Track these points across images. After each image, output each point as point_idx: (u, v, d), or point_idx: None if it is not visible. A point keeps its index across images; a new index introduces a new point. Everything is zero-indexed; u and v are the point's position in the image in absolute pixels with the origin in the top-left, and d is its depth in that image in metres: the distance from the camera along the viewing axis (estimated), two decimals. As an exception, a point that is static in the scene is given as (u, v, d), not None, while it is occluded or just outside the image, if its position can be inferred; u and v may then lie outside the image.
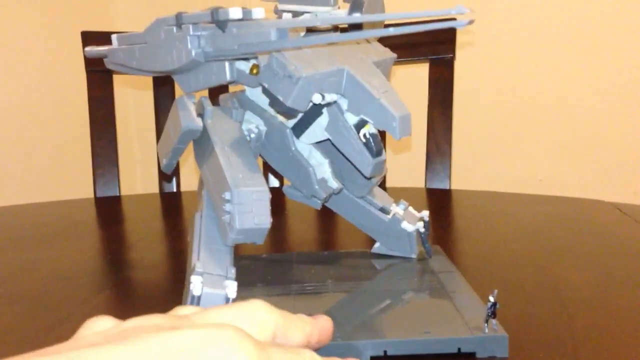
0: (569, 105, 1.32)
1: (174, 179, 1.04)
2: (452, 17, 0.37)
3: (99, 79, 1.04)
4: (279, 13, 0.46)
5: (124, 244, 0.74)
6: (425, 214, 0.52)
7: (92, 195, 1.02)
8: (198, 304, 0.38)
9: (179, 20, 0.42)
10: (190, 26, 0.41)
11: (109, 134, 1.03)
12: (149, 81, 1.08)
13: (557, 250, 0.60)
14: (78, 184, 1.26)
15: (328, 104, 0.42)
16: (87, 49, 0.50)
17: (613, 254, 0.59)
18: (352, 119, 0.42)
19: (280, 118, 0.45)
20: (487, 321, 0.37)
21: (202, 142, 0.44)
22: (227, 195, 0.39)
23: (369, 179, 0.47)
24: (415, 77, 1.20)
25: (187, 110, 0.44)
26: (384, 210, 0.51)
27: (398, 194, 0.53)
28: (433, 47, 1.01)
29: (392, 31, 0.35)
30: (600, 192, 0.96)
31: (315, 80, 0.40)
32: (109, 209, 0.93)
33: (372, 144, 0.41)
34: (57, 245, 0.70)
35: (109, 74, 1.04)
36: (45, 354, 0.21)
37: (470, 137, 1.37)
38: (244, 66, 0.43)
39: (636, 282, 0.51)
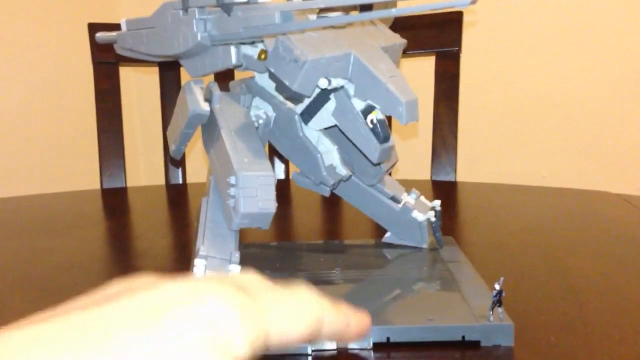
0: (575, 102, 1.32)
1: (180, 171, 1.05)
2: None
3: (106, 71, 1.04)
4: None
5: (131, 234, 0.74)
6: (437, 203, 0.51)
7: (98, 187, 1.02)
8: None
9: (185, 3, 0.42)
10: (196, 10, 0.41)
11: (115, 125, 1.03)
12: (153, 72, 1.08)
13: (565, 240, 0.60)
14: (85, 175, 1.26)
15: (335, 89, 0.42)
16: (98, 34, 0.50)
17: (621, 243, 0.59)
18: (359, 105, 0.41)
19: (289, 104, 0.45)
20: (492, 309, 0.37)
21: (209, 127, 0.44)
22: (232, 180, 0.39)
23: (377, 164, 0.47)
24: (422, 70, 1.20)
25: (195, 95, 0.44)
26: (394, 199, 0.51)
27: (404, 186, 0.53)
28: (439, 40, 1.01)
29: (394, 12, 0.35)
30: (605, 189, 0.96)
31: (321, 65, 0.40)
32: (115, 200, 0.93)
33: (379, 129, 0.40)
34: (66, 234, 0.71)
35: (115, 66, 1.04)
36: (34, 322, 0.21)
37: (476, 131, 1.37)
38: (252, 51, 0.42)
39: (645, 270, 0.51)
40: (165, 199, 0.94)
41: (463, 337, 0.36)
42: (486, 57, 1.35)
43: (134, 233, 0.75)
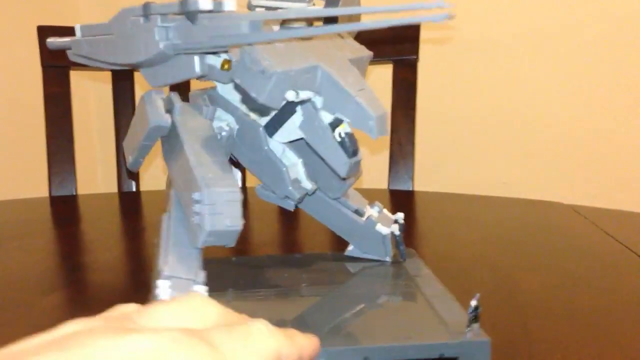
0: (534, 109, 1.33)
1: (133, 183, 1.02)
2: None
3: (56, 75, 1.01)
4: (252, 9, 0.44)
5: (78, 245, 0.71)
6: (400, 216, 0.51)
7: (47, 195, 0.99)
8: None
9: (146, 10, 0.40)
10: (159, 17, 0.39)
11: (65, 131, 1.00)
12: (108, 79, 1.05)
13: (516, 253, 0.60)
14: (33, 182, 1.22)
15: (302, 102, 0.41)
16: (50, 40, 0.48)
17: (569, 256, 0.59)
18: (327, 118, 0.40)
19: (253, 116, 0.43)
20: (469, 325, 0.36)
21: (170, 140, 0.43)
22: (196, 196, 0.37)
23: (345, 179, 0.46)
24: (379, 78, 1.20)
25: (155, 106, 0.42)
26: (358, 213, 0.50)
27: (362, 195, 0.52)
28: (397, 48, 1.01)
29: (368, 25, 0.34)
30: (563, 194, 0.97)
31: (289, 77, 0.39)
32: (64, 209, 0.90)
33: (348, 143, 0.39)
34: (6, 246, 0.68)
35: (65, 70, 1.01)
36: None
37: (434, 139, 1.38)
38: (215, 61, 0.41)
39: (591, 284, 0.51)
40: (118, 207, 0.92)
41: (442, 354, 0.36)
42: (444, 65, 1.36)
43: (82, 243, 0.72)
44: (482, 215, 0.78)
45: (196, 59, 0.41)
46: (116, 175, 1.03)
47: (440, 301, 0.41)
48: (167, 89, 0.45)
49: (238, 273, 0.50)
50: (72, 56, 0.46)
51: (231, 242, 0.39)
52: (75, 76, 1.03)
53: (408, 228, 0.70)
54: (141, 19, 0.40)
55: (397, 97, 1.01)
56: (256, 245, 0.66)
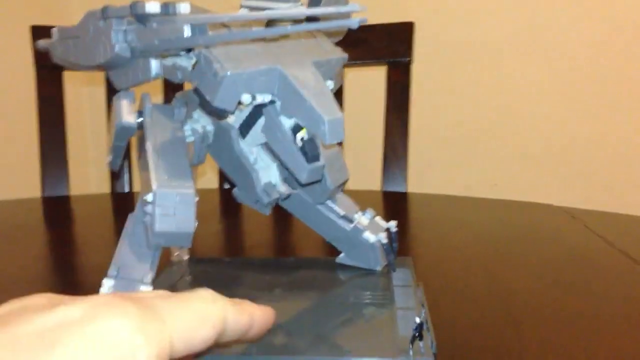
0: (527, 112, 1.34)
1: (126, 179, 1.02)
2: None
3: (49, 77, 1.00)
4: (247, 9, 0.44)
5: (70, 246, 0.71)
6: (393, 224, 0.49)
7: (39, 195, 0.98)
8: None
9: (104, 13, 0.40)
10: (114, 20, 0.40)
11: (58, 132, 1.00)
12: (101, 77, 1.05)
13: (508, 256, 0.61)
14: (25, 183, 1.21)
15: (264, 105, 0.40)
16: (39, 41, 0.48)
17: (562, 258, 0.59)
18: (288, 122, 0.40)
19: (229, 118, 0.44)
20: (412, 343, 0.35)
21: (140, 141, 0.43)
22: (148, 197, 0.38)
23: (304, 185, 0.45)
24: (373, 80, 1.20)
25: (121, 107, 0.43)
26: (346, 219, 0.48)
27: (354, 197, 0.51)
28: (391, 50, 1.01)
29: (289, 29, 0.35)
30: (554, 197, 0.98)
31: (243, 79, 0.38)
32: (56, 210, 0.90)
33: (308, 149, 0.39)
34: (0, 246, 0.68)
35: (59, 71, 1.01)
36: None
37: (427, 141, 1.38)
38: (187, 63, 0.41)
39: (582, 287, 0.52)
40: (110, 208, 0.92)
41: None
42: (437, 67, 1.36)
43: (73, 244, 0.72)
44: (475, 217, 0.78)
45: (153, 61, 0.41)
46: (109, 176, 1.02)
47: (406, 315, 0.39)
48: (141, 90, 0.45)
49: (222, 274, 0.50)
50: (54, 58, 0.47)
51: (186, 244, 0.39)
52: (68, 77, 1.03)
53: (402, 230, 0.70)
54: (101, 22, 0.41)
55: (391, 100, 1.01)
56: (252, 248, 0.66)
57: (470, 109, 1.37)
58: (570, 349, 0.40)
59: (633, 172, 1.29)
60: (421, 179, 1.34)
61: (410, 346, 0.35)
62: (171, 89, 1.02)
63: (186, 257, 0.53)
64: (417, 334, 0.36)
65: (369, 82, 1.26)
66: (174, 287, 0.47)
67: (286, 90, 0.39)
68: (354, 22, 0.31)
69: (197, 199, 0.38)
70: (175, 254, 0.53)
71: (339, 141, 0.38)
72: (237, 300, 0.27)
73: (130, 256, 0.39)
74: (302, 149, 0.39)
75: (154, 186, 0.37)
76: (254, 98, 0.39)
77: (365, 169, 1.11)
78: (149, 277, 0.39)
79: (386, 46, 1.02)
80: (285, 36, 0.42)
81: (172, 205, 0.37)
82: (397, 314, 0.39)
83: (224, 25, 0.41)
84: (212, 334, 0.25)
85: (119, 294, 0.23)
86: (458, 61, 1.36)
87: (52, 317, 0.21)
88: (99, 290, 0.39)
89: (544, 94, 1.32)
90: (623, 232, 0.71)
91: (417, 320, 0.36)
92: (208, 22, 0.37)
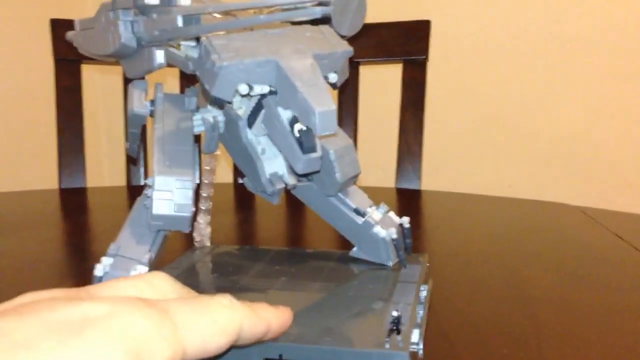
0: (540, 112, 1.34)
1: (142, 172, 1.03)
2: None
3: (67, 68, 1.02)
4: None
5: (88, 235, 0.72)
6: (405, 220, 0.48)
7: (57, 187, 0.99)
8: None
9: (114, 5, 0.42)
10: (121, 11, 0.41)
11: (75, 124, 1.01)
12: (116, 71, 1.06)
13: (523, 251, 0.61)
14: (43, 174, 1.23)
15: (263, 96, 0.41)
16: (67, 33, 0.50)
17: (578, 255, 0.59)
18: (287, 113, 0.40)
19: (239, 110, 0.44)
20: (389, 336, 0.35)
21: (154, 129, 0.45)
22: (149, 181, 0.40)
23: (301, 176, 0.46)
24: (389, 77, 1.20)
25: (134, 95, 0.44)
26: (358, 212, 0.48)
27: (368, 193, 0.51)
28: (407, 48, 1.02)
29: (262, 19, 0.37)
30: (568, 200, 0.97)
31: (239, 70, 0.39)
32: (73, 200, 0.91)
33: (304, 140, 0.39)
34: (18, 235, 0.69)
35: (77, 63, 1.02)
36: None
37: (441, 139, 1.38)
38: (197, 54, 0.42)
39: (599, 282, 0.52)
40: (126, 200, 0.92)
41: None
42: (453, 66, 1.36)
43: (90, 235, 0.73)
44: (489, 214, 0.78)
45: (156, 51, 0.42)
46: (125, 168, 1.03)
47: (397, 309, 0.39)
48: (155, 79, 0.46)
49: (234, 259, 0.51)
50: (78, 49, 0.49)
51: (184, 228, 0.40)
52: (84, 70, 1.04)
53: (415, 226, 0.71)
54: (111, 13, 0.43)
55: (406, 97, 1.01)
56: (268, 242, 0.67)
57: (485, 108, 1.37)
58: (586, 340, 0.40)
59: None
60: (435, 177, 1.34)
61: (387, 339, 0.35)
62: (185, 78, 1.03)
63: (207, 243, 0.55)
64: (394, 328, 0.36)
65: (385, 79, 1.26)
66: (193, 269, 0.49)
67: (282, 82, 0.39)
68: (316, 12, 0.33)
69: (196, 184, 0.40)
70: (198, 239, 0.55)
71: (331, 133, 0.38)
72: (256, 305, 0.28)
73: (132, 237, 0.41)
74: (299, 140, 0.39)
75: (155, 171, 0.40)
76: (251, 88, 0.39)
77: (379, 166, 1.11)
78: (147, 257, 0.40)
79: (402, 44, 1.02)
80: (288, 27, 0.43)
81: (170, 189, 0.39)
82: (390, 309, 0.39)
83: (229, 14, 0.42)
84: (226, 342, 0.25)
85: (141, 298, 0.24)
86: (473, 60, 1.35)
87: (78, 309, 0.22)
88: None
89: (560, 93, 1.32)
90: (636, 230, 0.71)
91: (395, 314, 0.36)
92: (200, 13, 0.39)
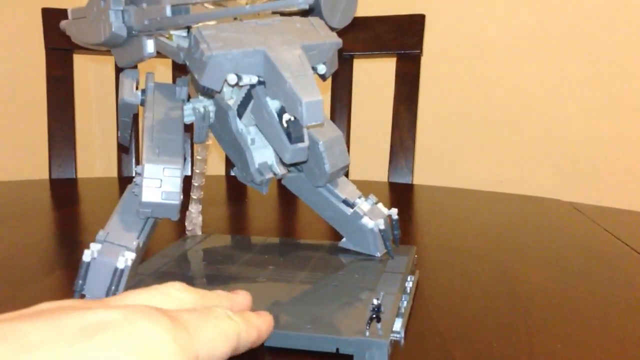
0: (533, 109, 1.34)
1: (133, 163, 1.02)
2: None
3: (59, 58, 1.01)
4: None
5: (78, 226, 0.72)
6: (394, 211, 0.49)
7: (47, 177, 0.99)
8: (87, 271, 0.39)
9: None
10: (111, 0, 0.42)
11: (67, 114, 1.00)
12: (110, 60, 1.05)
13: (515, 246, 0.61)
14: (34, 165, 1.22)
15: (252, 86, 0.41)
16: (61, 22, 0.50)
17: (569, 251, 0.60)
18: (275, 104, 0.40)
19: (229, 100, 0.45)
20: (369, 324, 0.35)
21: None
22: (138, 169, 0.40)
23: (290, 166, 0.46)
24: (382, 71, 1.20)
25: (125, 84, 0.44)
26: (346, 203, 0.49)
27: (360, 187, 0.51)
28: (401, 42, 1.02)
29: (248, 9, 0.37)
30: (559, 195, 0.98)
31: (228, 60, 0.39)
32: (64, 191, 0.90)
33: (292, 130, 0.39)
34: (8, 225, 0.68)
35: (69, 52, 1.01)
36: None
37: (434, 134, 1.38)
38: (187, 44, 0.42)
39: (589, 278, 0.52)
40: (117, 191, 0.92)
41: (337, 349, 0.35)
42: (447, 60, 1.36)
43: (80, 225, 0.72)
44: (481, 209, 0.79)
45: (145, 40, 0.42)
46: (116, 160, 1.03)
47: (380, 299, 0.39)
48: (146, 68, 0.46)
49: (223, 249, 0.52)
50: (71, 38, 0.49)
51: (173, 216, 0.41)
52: (76, 59, 1.03)
53: (407, 220, 0.71)
54: (102, 2, 0.43)
55: (400, 91, 1.01)
56: (260, 233, 0.67)
57: (478, 104, 1.37)
58: (576, 334, 0.40)
59: (638, 170, 1.29)
60: (427, 172, 1.34)
61: (367, 327, 0.35)
62: (178, 68, 1.02)
63: (199, 232, 0.56)
64: (374, 316, 0.36)
65: (379, 73, 1.26)
66: (184, 256, 0.50)
67: (270, 72, 0.40)
68: (300, 2, 0.34)
69: (184, 173, 0.41)
70: (189, 228, 0.55)
71: (317, 123, 0.38)
72: (246, 314, 0.29)
73: (121, 224, 0.42)
74: (286, 130, 0.39)
75: (144, 159, 0.40)
76: (240, 78, 0.39)
77: (372, 160, 1.11)
78: (135, 244, 0.41)
79: (397, 38, 1.02)
80: (277, 18, 0.43)
81: (158, 177, 0.40)
82: (371, 298, 0.39)
83: (218, 5, 0.42)
84: (230, 348, 0.27)
85: (153, 307, 0.25)
86: (467, 55, 1.35)
87: (93, 315, 0.23)
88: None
89: (553, 90, 1.32)
90: (630, 226, 0.71)
91: (375, 302, 0.36)
92: (188, 3, 0.39)
